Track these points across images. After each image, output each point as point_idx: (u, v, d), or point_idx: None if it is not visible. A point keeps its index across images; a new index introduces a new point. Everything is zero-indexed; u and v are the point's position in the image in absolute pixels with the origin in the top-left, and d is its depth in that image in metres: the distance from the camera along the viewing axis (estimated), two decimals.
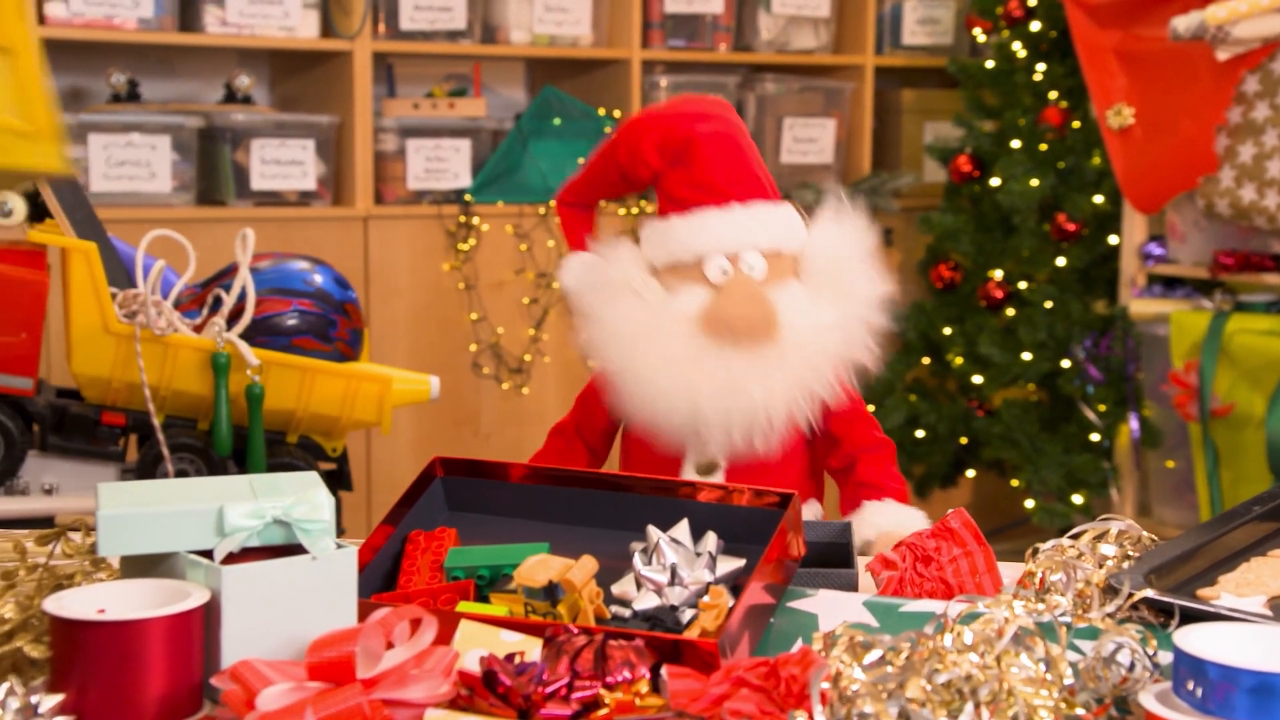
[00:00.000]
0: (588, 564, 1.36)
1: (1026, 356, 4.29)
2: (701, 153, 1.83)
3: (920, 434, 4.42)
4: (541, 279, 4.19)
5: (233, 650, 1.26)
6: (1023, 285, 4.37)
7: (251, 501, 1.30)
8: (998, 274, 4.40)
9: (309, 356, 2.78)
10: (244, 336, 2.73)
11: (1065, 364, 4.28)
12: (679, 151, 1.84)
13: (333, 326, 2.83)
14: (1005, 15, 4.42)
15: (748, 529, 1.45)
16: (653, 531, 1.40)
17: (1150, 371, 4.20)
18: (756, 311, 1.79)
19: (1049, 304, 4.27)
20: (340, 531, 2.53)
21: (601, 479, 1.53)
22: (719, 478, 1.89)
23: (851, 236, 1.85)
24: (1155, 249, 4.20)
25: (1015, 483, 4.36)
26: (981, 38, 4.60)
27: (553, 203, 4.15)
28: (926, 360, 4.51)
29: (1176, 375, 3.96)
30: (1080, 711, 1.19)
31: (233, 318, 2.74)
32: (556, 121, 4.24)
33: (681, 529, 1.42)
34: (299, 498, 1.31)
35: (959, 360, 4.42)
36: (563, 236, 2.06)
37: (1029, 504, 4.26)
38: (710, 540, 1.41)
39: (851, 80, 4.66)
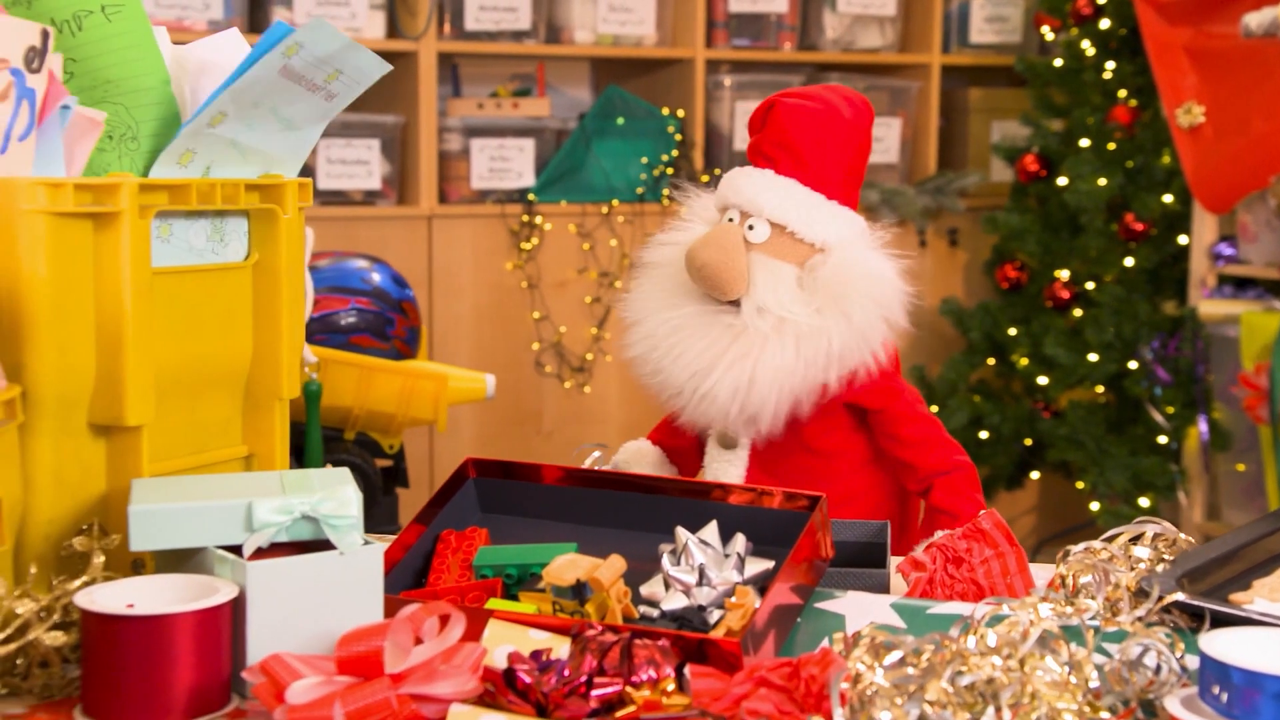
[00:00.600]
0: (616, 563, 1.37)
1: (1093, 358, 4.24)
2: (774, 118, 1.87)
3: (984, 435, 4.39)
4: (604, 278, 4.20)
5: (260, 645, 1.27)
6: (1090, 286, 4.33)
7: (280, 497, 1.31)
8: (1064, 274, 4.36)
9: (366, 354, 2.81)
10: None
11: (1132, 365, 4.24)
12: (764, 115, 1.88)
13: (390, 325, 2.86)
14: (1074, 13, 4.38)
15: (777, 531, 1.44)
16: (681, 533, 1.41)
17: (1220, 373, 4.14)
18: (722, 259, 1.80)
19: (1116, 305, 4.22)
20: (397, 528, 2.56)
21: (633, 481, 1.54)
22: (742, 456, 1.89)
23: (863, 266, 1.84)
24: (1226, 249, 4.14)
25: (1080, 485, 4.32)
26: (1050, 36, 4.56)
27: (616, 201, 4.17)
28: (991, 361, 4.47)
29: (1246, 377, 3.90)
30: (1105, 715, 1.18)
31: None
32: (620, 121, 4.25)
33: (710, 530, 1.42)
34: (327, 494, 1.32)
35: (1024, 361, 4.38)
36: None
37: (1094, 507, 4.22)
38: (739, 542, 1.41)
39: (917, 79, 4.63)
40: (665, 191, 4.23)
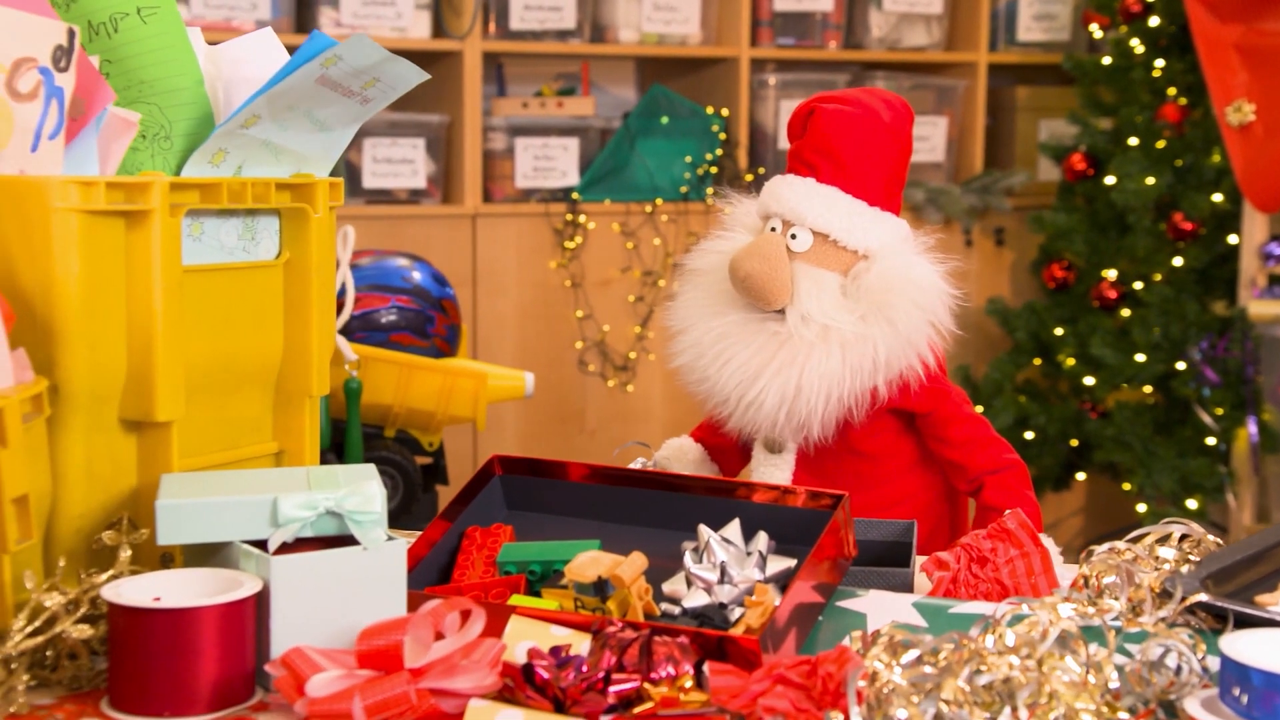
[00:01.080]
0: (637, 560, 1.37)
1: (1140, 358, 4.21)
2: (814, 124, 1.87)
3: (1029, 436, 4.36)
4: (648, 277, 4.21)
5: (283, 638, 1.29)
6: (1137, 285, 4.29)
7: (305, 493, 1.32)
8: (1112, 274, 4.33)
9: (407, 352, 2.83)
10: (343, 332, 2.78)
11: (1180, 366, 4.20)
12: (804, 121, 1.89)
13: (430, 323, 2.87)
14: (1123, 10, 4.35)
15: (801, 530, 1.45)
16: (704, 530, 1.41)
17: (1270, 374, 4.10)
18: (766, 269, 1.81)
19: (1164, 305, 4.19)
20: None
21: (658, 479, 1.54)
22: (788, 460, 1.89)
23: (907, 272, 1.84)
24: (1276, 249, 4.10)
25: (1127, 487, 4.29)
26: (1099, 33, 4.53)
27: (659, 200, 4.17)
28: (1037, 361, 4.45)
29: None
30: (1124, 716, 1.17)
31: None
32: (664, 120, 4.25)
33: (733, 528, 1.42)
34: (351, 489, 1.33)
35: (1070, 361, 4.35)
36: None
37: (1141, 508, 4.19)
38: (761, 540, 1.41)
39: (964, 78, 4.61)
40: (709, 191, 4.23)
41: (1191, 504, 4.12)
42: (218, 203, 1.46)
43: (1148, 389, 4.32)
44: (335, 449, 2.80)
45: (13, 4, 1.39)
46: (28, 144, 1.38)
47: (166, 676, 1.25)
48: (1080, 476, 4.49)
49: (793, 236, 1.84)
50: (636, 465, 1.86)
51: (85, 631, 1.28)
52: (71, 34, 1.38)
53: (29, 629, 1.26)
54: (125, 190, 1.38)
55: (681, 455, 2.02)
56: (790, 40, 4.40)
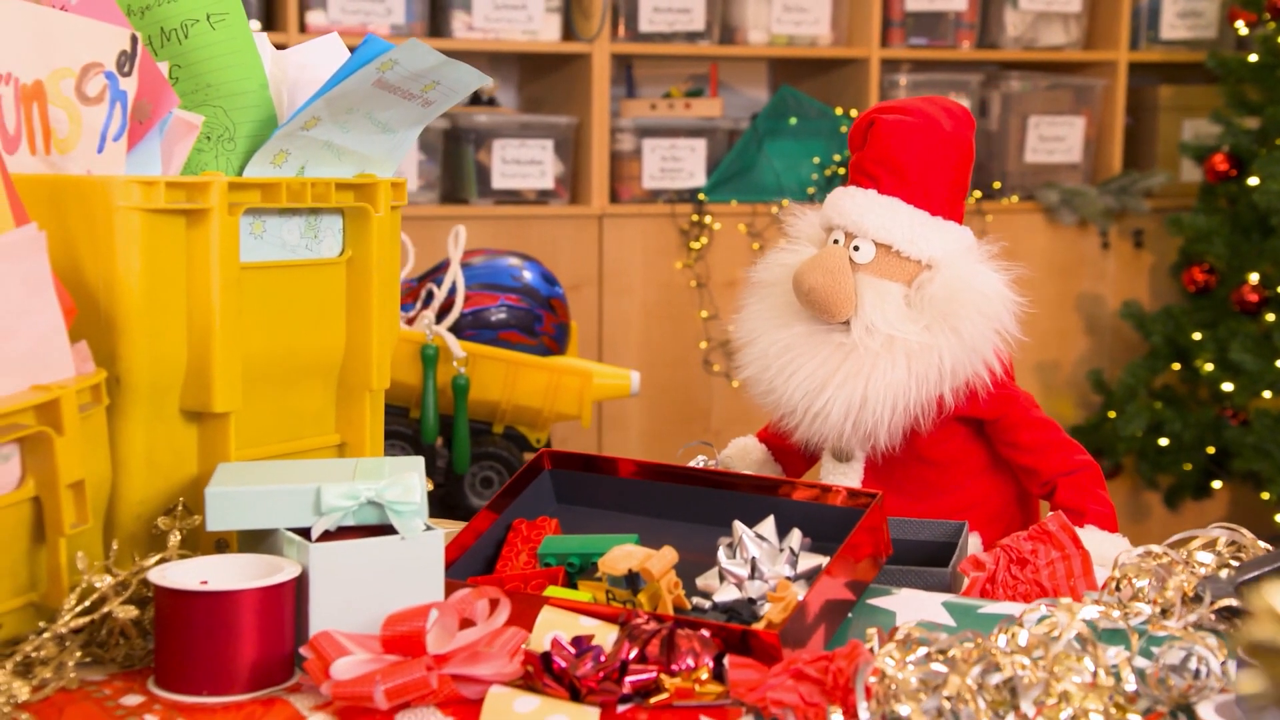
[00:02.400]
0: (667, 554, 1.39)
1: None
2: (875, 135, 1.87)
3: (1163, 442, 4.27)
4: None
5: (321, 623, 1.33)
6: None
7: (348, 483, 1.37)
8: (1254, 277, 4.21)
9: (515, 350, 2.88)
10: (453, 330, 2.84)
11: None
12: (864, 132, 1.89)
13: (539, 321, 2.92)
14: (1271, 7, 4.22)
15: (840, 528, 1.45)
16: (737, 526, 1.42)
17: None
18: (829, 283, 1.81)
19: None
20: None
21: (703, 476, 1.56)
22: (856, 468, 1.89)
23: (971, 280, 1.83)
24: None
25: (1266, 496, 4.17)
26: (1244, 30, 4.41)
27: (786, 201, 4.17)
28: (1176, 366, 4.34)
29: None
30: (1134, 718, 1.16)
31: (444, 311, 2.86)
32: (792, 121, 4.25)
33: (767, 525, 1.43)
34: (393, 480, 1.37)
35: (1209, 367, 4.24)
36: None
37: None
38: (795, 537, 1.42)
39: (1103, 77, 4.53)
40: None
41: None
42: (277, 202, 1.51)
43: None
44: (446, 444, 2.86)
45: (84, 10, 1.46)
46: (94, 145, 1.44)
47: (207, 656, 1.30)
48: (1215, 485, 4.38)
49: (855, 248, 1.84)
50: (697, 463, 1.88)
51: (131, 612, 1.33)
52: (134, 40, 1.45)
53: (78, 609, 1.32)
54: (185, 189, 1.44)
55: (745, 455, 2.03)
56: (922, 40, 4.37)
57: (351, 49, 1.57)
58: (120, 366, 1.43)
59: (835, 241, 1.86)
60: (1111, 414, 4.30)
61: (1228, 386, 4.20)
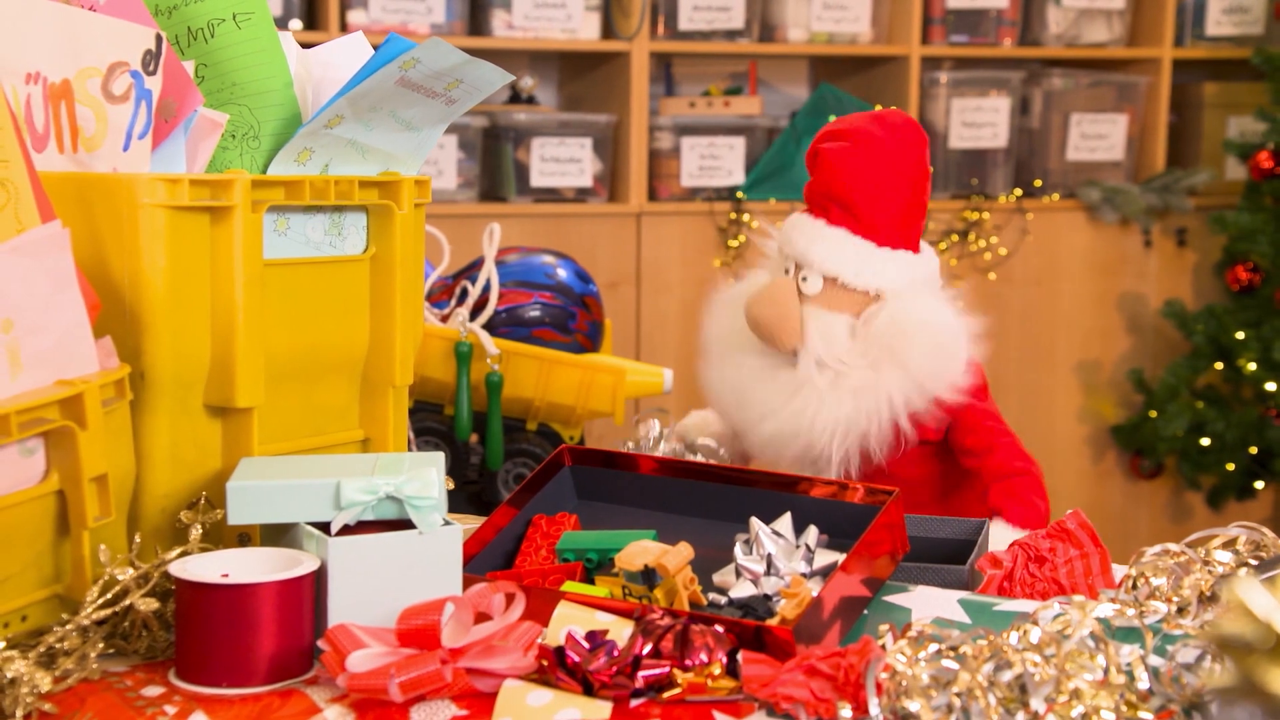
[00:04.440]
0: (683, 551, 1.40)
1: None
2: (819, 167, 1.90)
3: (1205, 441, 4.23)
4: None
5: (339, 616, 1.35)
6: None
7: (367, 478, 1.38)
8: None
9: (549, 347, 2.89)
10: (487, 327, 2.85)
11: None
12: (812, 162, 1.91)
13: (572, 319, 2.92)
14: None
15: (857, 525, 1.45)
16: (755, 523, 1.43)
17: None
18: (775, 314, 1.83)
19: None
20: None
21: (723, 473, 1.56)
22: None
23: (919, 314, 1.83)
24: None
25: None
26: None
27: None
28: (1219, 366, 4.31)
29: None
30: (1145, 716, 1.16)
31: (478, 309, 2.87)
32: (831, 119, 4.23)
33: (784, 522, 1.44)
34: (412, 475, 1.38)
35: (1252, 366, 4.21)
36: None
37: None
38: (811, 534, 1.42)
39: (1146, 74, 4.49)
40: None
41: None
42: (301, 199, 1.52)
43: None
44: (479, 441, 2.87)
45: (112, 10, 1.48)
46: (120, 143, 1.46)
47: (226, 648, 1.32)
48: (1258, 485, 4.34)
49: (804, 279, 1.85)
50: (650, 429, 1.91)
51: (153, 604, 1.35)
52: (159, 39, 1.46)
53: (101, 601, 1.34)
54: (209, 187, 1.45)
55: (705, 426, 2.07)
56: (963, 38, 4.35)
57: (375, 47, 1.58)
58: (144, 362, 1.45)
59: (786, 271, 1.88)
60: (1153, 413, 4.27)
61: (1271, 386, 4.16)
